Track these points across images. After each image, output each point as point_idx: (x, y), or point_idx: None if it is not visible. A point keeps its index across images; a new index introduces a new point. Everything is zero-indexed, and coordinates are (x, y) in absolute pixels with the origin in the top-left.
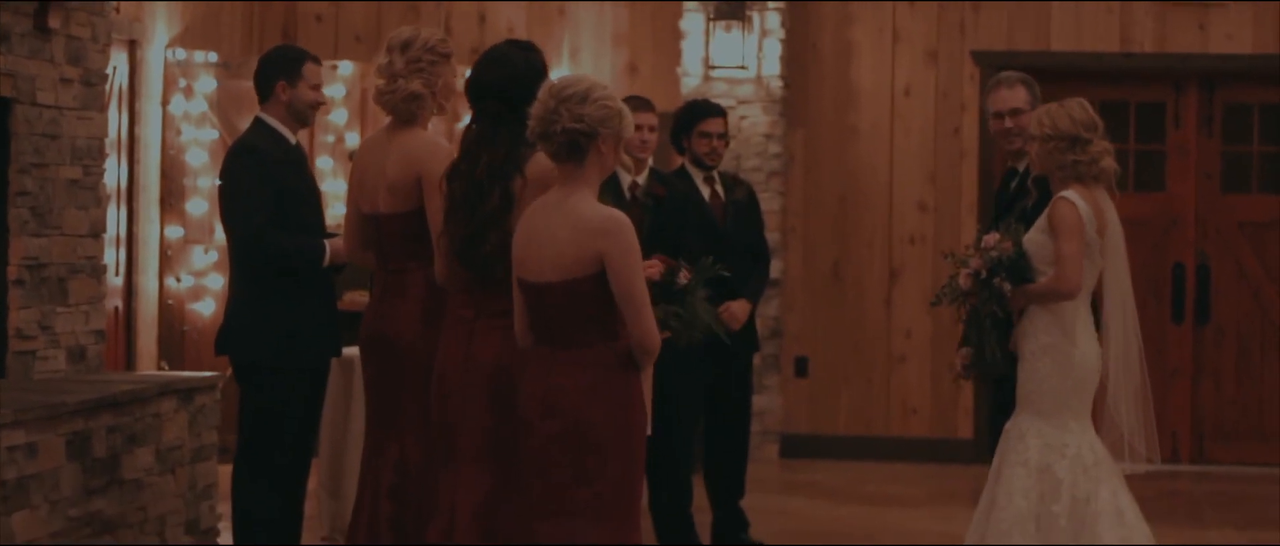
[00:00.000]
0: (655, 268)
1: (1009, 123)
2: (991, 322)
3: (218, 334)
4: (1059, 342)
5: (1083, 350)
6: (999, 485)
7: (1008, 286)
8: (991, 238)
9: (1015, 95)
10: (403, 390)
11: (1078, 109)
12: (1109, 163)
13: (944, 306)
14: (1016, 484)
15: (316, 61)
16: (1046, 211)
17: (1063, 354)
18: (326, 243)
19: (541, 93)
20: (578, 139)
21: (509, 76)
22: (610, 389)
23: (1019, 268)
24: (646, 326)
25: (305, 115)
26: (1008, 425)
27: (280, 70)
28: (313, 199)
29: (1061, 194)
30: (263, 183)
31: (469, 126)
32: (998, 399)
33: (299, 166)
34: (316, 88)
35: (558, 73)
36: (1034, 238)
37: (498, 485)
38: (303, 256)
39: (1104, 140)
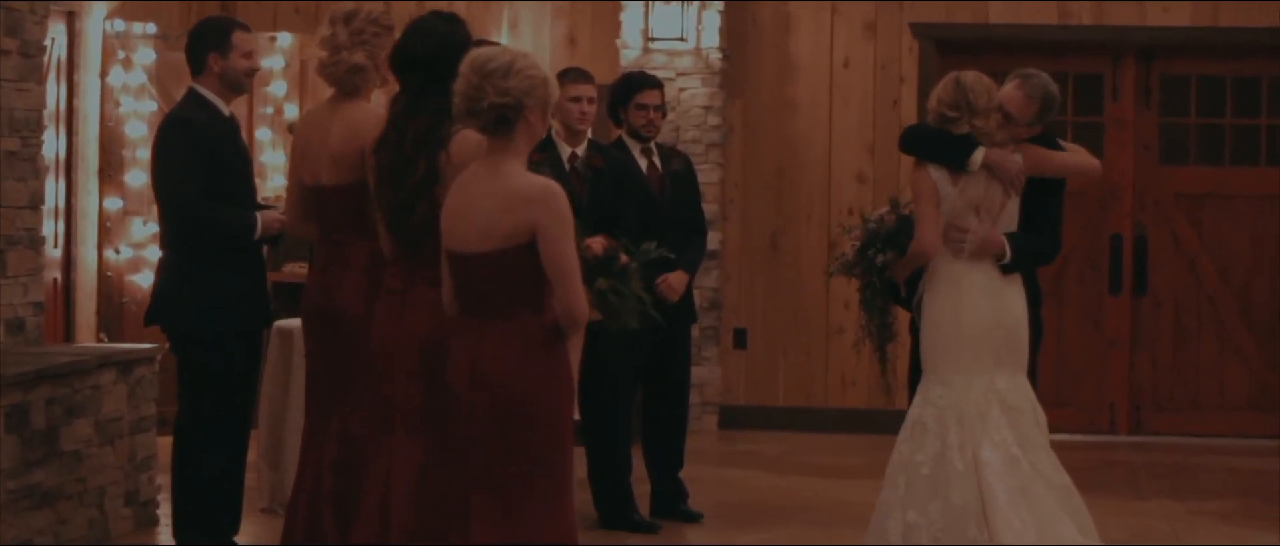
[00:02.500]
0: (598, 243)
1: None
2: (871, 293)
3: (149, 305)
4: (930, 301)
5: (953, 307)
6: None
7: (882, 257)
8: (883, 211)
9: (1009, 95)
10: (345, 362)
11: (945, 89)
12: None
13: (839, 277)
14: (899, 439)
15: (246, 29)
16: None
17: (931, 311)
18: (258, 215)
19: (464, 68)
20: (505, 113)
21: (434, 48)
22: (538, 361)
23: (898, 239)
24: (575, 295)
25: (240, 83)
26: None
27: (210, 43)
28: (245, 171)
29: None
30: (194, 154)
31: (396, 98)
32: (914, 362)
33: (231, 138)
34: (249, 55)
35: (497, 43)
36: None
37: (431, 455)
38: (234, 228)
39: (981, 115)
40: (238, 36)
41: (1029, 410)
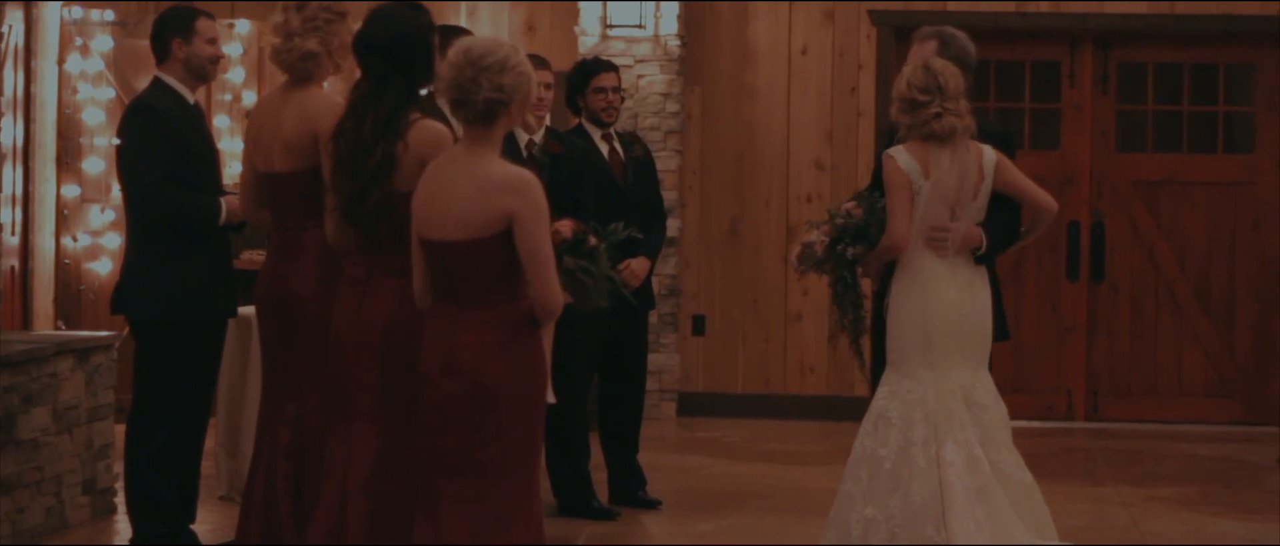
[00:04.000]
0: (566, 226)
1: None
2: (842, 287)
3: (113, 292)
4: (898, 294)
5: (922, 301)
6: None
7: (852, 252)
8: (850, 205)
9: (923, 51)
10: (300, 349)
11: (915, 73)
12: (944, 123)
13: (811, 273)
14: (861, 430)
15: (210, 16)
16: None
17: (900, 305)
18: (223, 201)
19: (457, 58)
20: (495, 107)
21: (396, 35)
22: (513, 348)
23: (867, 233)
24: (550, 285)
25: (204, 71)
26: None
27: (174, 28)
28: (210, 158)
29: (887, 151)
30: (159, 140)
31: (357, 83)
32: (877, 353)
33: (197, 125)
34: (213, 42)
35: (470, 31)
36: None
37: (390, 444)
38: (199, 214)
39: (952, 99)
40: (202, 23)
41: (994, 406)
